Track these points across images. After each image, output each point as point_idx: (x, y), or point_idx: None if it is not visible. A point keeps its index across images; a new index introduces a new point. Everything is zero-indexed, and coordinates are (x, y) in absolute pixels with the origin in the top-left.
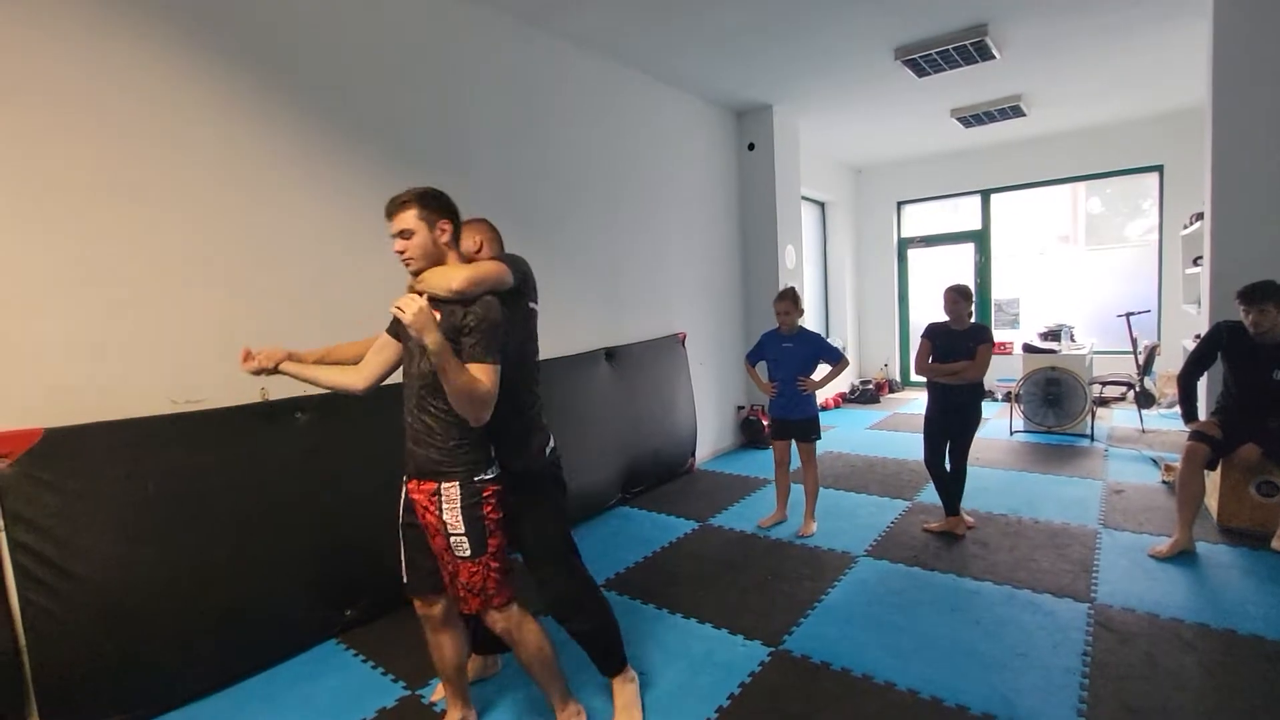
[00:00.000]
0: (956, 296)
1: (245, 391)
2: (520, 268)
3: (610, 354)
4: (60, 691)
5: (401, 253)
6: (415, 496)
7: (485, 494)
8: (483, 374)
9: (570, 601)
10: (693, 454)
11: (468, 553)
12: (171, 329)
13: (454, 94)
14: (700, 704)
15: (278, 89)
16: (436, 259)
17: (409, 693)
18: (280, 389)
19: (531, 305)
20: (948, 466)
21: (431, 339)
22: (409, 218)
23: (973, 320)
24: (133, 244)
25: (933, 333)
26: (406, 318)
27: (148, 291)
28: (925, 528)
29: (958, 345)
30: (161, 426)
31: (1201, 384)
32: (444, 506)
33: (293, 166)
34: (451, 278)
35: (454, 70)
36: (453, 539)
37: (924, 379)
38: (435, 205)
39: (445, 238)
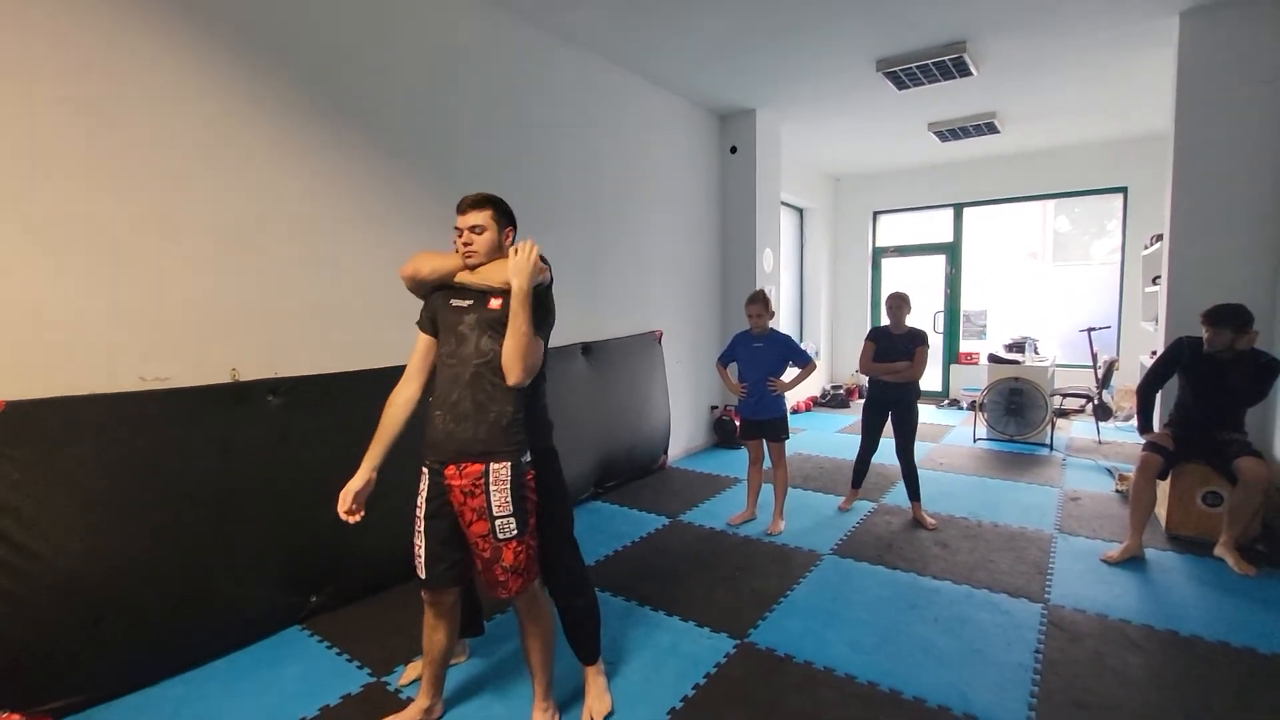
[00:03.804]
0: (899, 302)
1: (215, 372)
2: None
3: (587, 349)
4: (16, 671)
5: (468, 244)
6: (455, 482)
7: (528, 476)
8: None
9: (578, 578)
10: (665, 451)
11: (514, 533)
12: (142, 305)
13: (439, 83)
14: (665, 693)
15: (262, 70)
16: (493, 259)
17: (374, 679)
18: (252, 370)
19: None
20: (899, 465)
21: (523, 282)
22: (486, 216)
23: (910, 326)
24: (104, 218)
25: (875, 335)
26: (520, 257)
27: (119, 266)
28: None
29: (897, 347)
30: (129, 404)
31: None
32: (492, 488)
33: (273, 148)
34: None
35: (440, 61)
36: (499, 522)
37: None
38: (506, 212)
39: (508, 242)
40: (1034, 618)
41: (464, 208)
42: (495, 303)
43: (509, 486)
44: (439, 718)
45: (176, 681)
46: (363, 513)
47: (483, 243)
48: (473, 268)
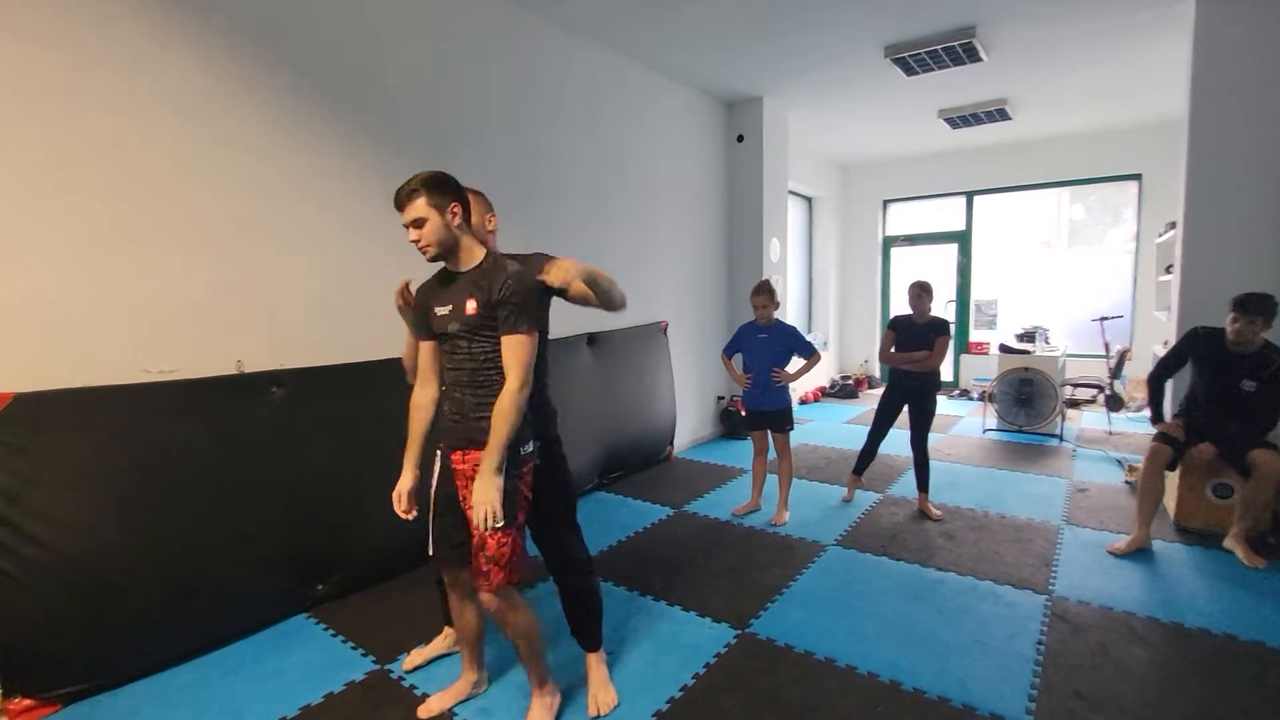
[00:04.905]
0: (920, 291)
1: (220, 363)
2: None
3: (592, 339)
4: (24, 658)
5: (416, 241)
6: (460, 467)
7: (525, 469)
8: (520, 345)
9: (583, 560)
10: (671, 442)
11: (499, 523)
12: (147, 298)
13: (439, 76)
14: (666, 682)
15: (261, 65)
16: (451, 243)
17: (378, 667)
18: (257, 362)
19: None
20: (912, 454)
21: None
22: (420, 206)
23: (932, 315)
24: (111, 211)
25: (897, 324)
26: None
27: (124, 260)
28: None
29: (919, 336)
30: (134, 395)
31: (1168, 385)
32: None
33: (277, 139)
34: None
35: (441, 52)
36: None
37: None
38: (442, 190)
39: (457, 221)
40: (1038, 609)
41: (397, 204)
42: (471, 306)
43: (503, 475)
44: (485, 690)
45: (184, 668)
46: (416, 509)
47: (429, 234)
48: (431, 260)
